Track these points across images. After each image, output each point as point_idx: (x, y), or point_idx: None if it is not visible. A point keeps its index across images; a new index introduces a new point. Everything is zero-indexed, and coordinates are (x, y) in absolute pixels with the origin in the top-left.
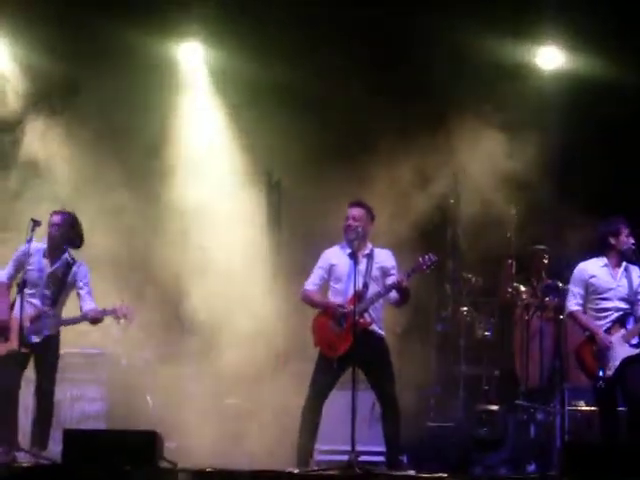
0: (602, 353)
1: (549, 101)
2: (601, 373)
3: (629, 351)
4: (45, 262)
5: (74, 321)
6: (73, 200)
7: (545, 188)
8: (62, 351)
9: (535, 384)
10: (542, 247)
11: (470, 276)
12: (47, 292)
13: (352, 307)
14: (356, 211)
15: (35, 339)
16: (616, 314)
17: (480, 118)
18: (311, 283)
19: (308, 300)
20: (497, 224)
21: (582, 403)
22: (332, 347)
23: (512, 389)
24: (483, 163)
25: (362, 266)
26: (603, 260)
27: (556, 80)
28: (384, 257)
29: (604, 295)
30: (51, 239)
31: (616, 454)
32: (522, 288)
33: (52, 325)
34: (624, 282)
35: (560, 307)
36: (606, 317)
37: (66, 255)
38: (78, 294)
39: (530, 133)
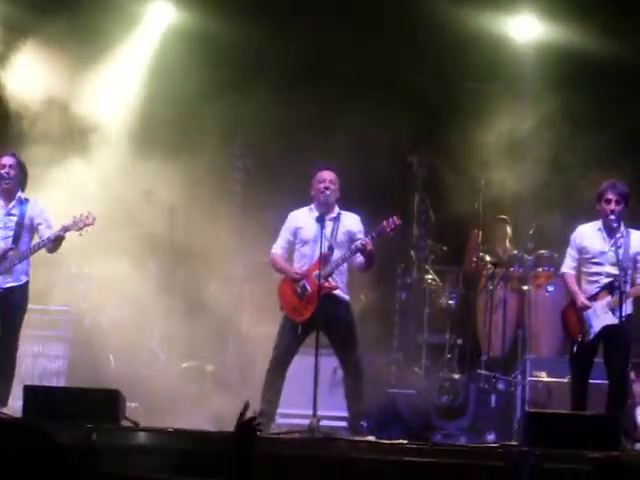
0: (584, 316)
1: (525, 72)
2: (579, 338)
3: (610, 319)
4: (1, 203)
5: (39, 246)
6: None
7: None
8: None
9: (497, 354)
10: (505, 217)
11: (436, 244)
12: (8, 232)
13: (308, 274)
14: (330, 175)
15: (5, 282)
16: (605, 280)
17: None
18: (278, 246)
19: (273, 265)
20: (465, 192)
21: (543, 374)
22: (297, 311)
23: (474, 358)
24: (456, 132)
25: (328, 230)
26: (598, 224)
27: (533, 50)
28: (351, 221)
29: (596, 259)
30: (7, 180)
31: (576, 424)
32: (487, 258)
33: (18, 258)
34: (617, 248)
35: (525, 278)
36: (597, 282)
37: (19, 194)
38: (37, 230)
39: (503, 103)
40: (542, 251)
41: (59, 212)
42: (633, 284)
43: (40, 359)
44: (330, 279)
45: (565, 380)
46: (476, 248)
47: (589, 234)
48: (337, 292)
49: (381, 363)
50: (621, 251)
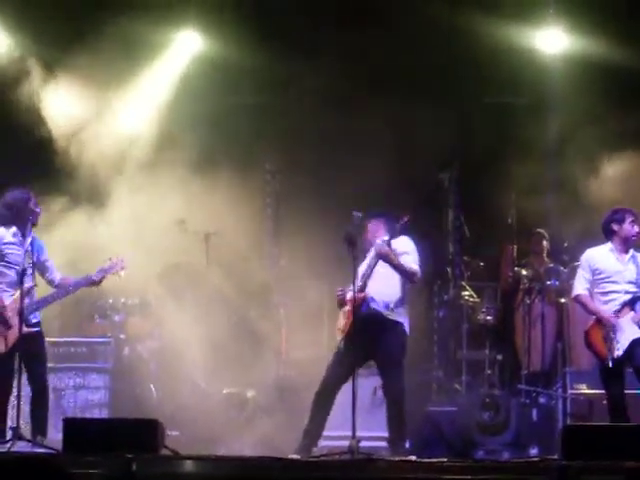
0: (610, 334)
1: (553, 85)
2: (609, 354)
3: (637, 332)
4: (20, 240)
5: (78, 285)
6: None
7: (548, 174)
8: (65, 339)
9: (537, 368)
10: (541, 231)
11: (472, 260)
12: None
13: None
14: (368, 226)
15: (32, 319)
16: (624, 297)
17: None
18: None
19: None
20: (498, 209)
21: (584, 386)
22: (341, 328)
23: (514, 373)
24: (486, 147)
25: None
26: (608, 246)
27: (560, 63)
28: (398, 243)
29: (612, 279)
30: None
31: (616, 437)
32: (523, 272)
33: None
34: (632, 267)
35: (562, 290)
36: (613, 300)
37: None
38: (46, 267)
39: (532, 117)
40: (578, 263)
41: (97, 244)
42: None
43: (81, 391)
44: (366, 291)
45: (624, 392)
46: (511, 263)
47: (602, 256)
48: (379, 308)
49: (421, 381)
50: (635, 269)
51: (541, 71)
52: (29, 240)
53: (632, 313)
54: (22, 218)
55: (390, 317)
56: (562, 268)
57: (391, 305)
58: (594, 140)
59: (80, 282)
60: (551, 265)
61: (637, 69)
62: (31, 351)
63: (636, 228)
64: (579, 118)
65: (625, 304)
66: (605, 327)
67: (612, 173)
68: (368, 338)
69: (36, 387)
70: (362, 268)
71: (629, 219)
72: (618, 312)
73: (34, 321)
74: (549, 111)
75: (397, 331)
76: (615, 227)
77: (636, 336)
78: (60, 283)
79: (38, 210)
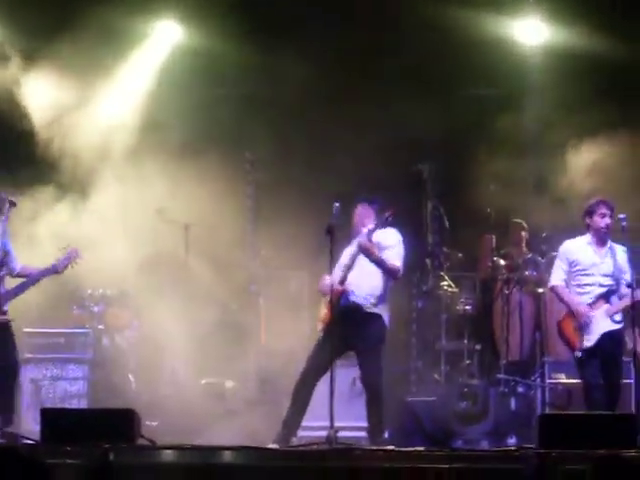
0: (582, 325)
1: (531, 76)
2: (579, 345)
3: (610, 325)
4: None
5: (43, 274)
6: None
7: (526, 164)
8: (44, 330)
9: (516, 357)
10: (520, 221)
11: (451, 251)
12: None
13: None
14: (358, 209)
15: (5, 307)
16: (599, 290)
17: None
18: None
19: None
20: (477, 199)
21: (562, 376)
22: (322, 319)
23: (493, 363)
24: (464, 138)
25: (354, 243)
26: (587, 238)
27: (539, 54)
28: (383, 236)
29: (587, 271)
30: None
31: (591, 425)
32: (502, 262)
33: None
34: (608, 260)
35: (540, 280)
36: (588, 293)
37: None
38: (8, 253)
39: (511, 109)
40: (555, 253)
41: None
42: (625, 294)
43: (60, 382)
44: (346, 283)
45: (600, 381)
46: (490, 253)
47: (580, 248)
48: (359, 300)
49: (400, 372)
50: (612, 262)
51: (520, 62)
52: None
53: (606, 306)
54: None
55: (370, 310)
56: (540, 258)
57: (371, 299)
58: (573, 131)
59: (45, 271)
60: (529, 255)
61: (617, 60)
62: (5, 338)
63: (606, 220)
64: (558, 109)
65: (600, 297)
66: (577, 319)
67: (588, 163)
68: (347, 329)
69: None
70: (344, 258)
71: (599, 211)
72: (592, 304)
73: (5, 309)
74: (528, 102)
75: (376, 323)
76: (587, 220)
77: (607, 329)
78: (20, 272)
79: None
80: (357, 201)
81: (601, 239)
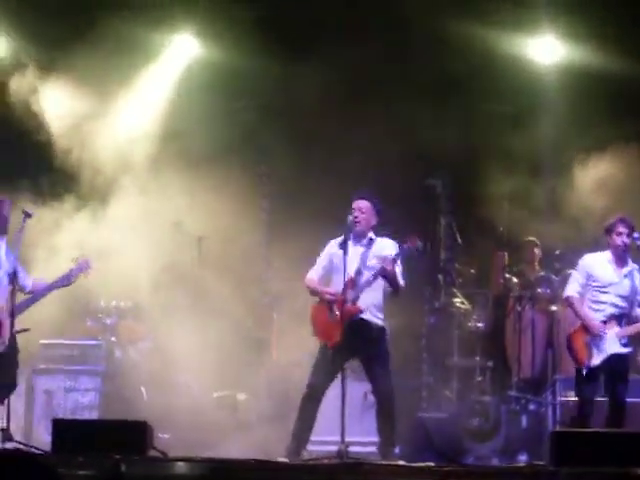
0: (592, 342)
1: (546, 94)
2: (587, 361)
3: (619, 349)
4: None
5: (54, 287)
6: None
7: (539, 182)
8: (57, 342)
9: (527, 375)
10: (533, 239)
11: (463, 267)
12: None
13: (341, 295)
14: (361, 203)
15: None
16: (612, 309)
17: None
18: (313, 271)
19: (307, 287)
20: (490, 216)
21: (573, 394)
22: (327, 335)
23: (505, 380)
24: (479, 154)
25: (358, 255)
26: (608, 255)
27: (555, 72)
28: (384, 246)
29: (604, 289)
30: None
31: (603, 443)
32: (514, 280)
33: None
34: (627, 281)
35: (553, 298)
36: (602, 310)
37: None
38: (16, 272)
39: (526, 126)
40: (569, 271)
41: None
42: (636, 318)
43: (72, 393)
44: (359, 303)
45: (595, 399)
46: (502, 270)
47: (600, 263)
48: (366, 316)
49: (411, 387)
50: (629, 284)
51: (535, 80)
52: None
53: (617, 328)
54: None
55: (379, 324)
56: (553, 276)
57: (379, 314)
58: (586, 149)
59: (56, 284)
60: (542, 273)
61: (631, 77)
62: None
63: (623, 239)
64: (572, 127)
65: (612, 317)
66: (589, 334)
67: (602, 180)
68: (357, 344)
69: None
70: (350, 266)
71: (617, 229)
72: (605, 323)
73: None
74: (543, 120)
75: (384, 336)
76: (607, 237)
77: (616, 351)
78: (32, 289)
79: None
80: (358, 196)
81: (620, 258)
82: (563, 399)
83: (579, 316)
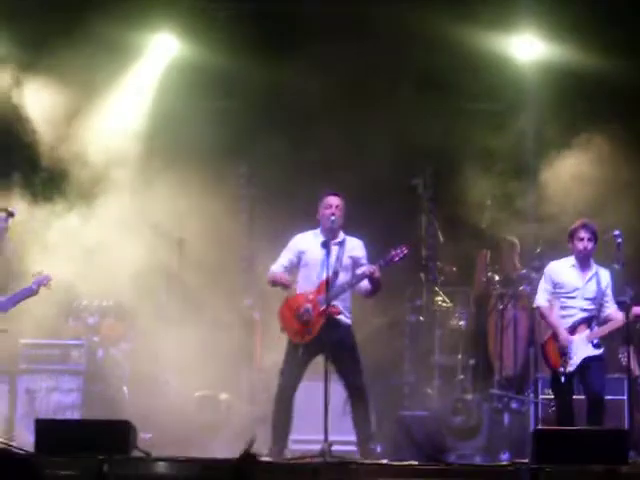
0: (564, 349)
1: (526, 92)
2: (562, 369)
3: (590, 351)
4: None
5: (21, 298)
6: None
7: (521, 179)
8: (39, 342)
9: (510, 373)
10: (512, 237)
11: (445, 265)
12: None
13: (313, 298)
14: (336, 200)
15: None
16: (581, 314)
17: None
18: (279, 265)
19: (272, 279)
20: (472, 214)
21: None
22: (298, 334)
23: (487, 378)
24: (459, 153)
25: (333, 254)
26: (572, 260)
27: (533, 70)
28: (355, 246)
29: (570, 294)
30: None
31: (586, 441)
32: (496, 278)
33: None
34: (592, 284)
35: (534, 296)
36: (571, 316)
37: None
38: None
39: (506, 124)
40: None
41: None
42: (605, 319)
43: (54, 393)
44: (335, 303)
45: (577, 397)
46: (484, 268)
47: (564, 270)
48: (339, 316)
49: (393, 386)
50: (595, 286)
51: (517, 78)
52: None
53: (587, 331)
54: None
55: (347, 322)
56: (534, 274)
57: (348, 312)
58: (568, 146)
59: (21, 294)
60: (523, 271)
61: (610, 74)
62: None
63: (584, 244)
64: (554, 124)
65: (581, 321)
66: (559, 342)
67: (583, 179)
68: (327, 342)
69: None
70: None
71: (578, 235)
72: (574, 329)
73: None
74: (524, 118)
75: (352, 333)
76: (570, 243)
77: (588, 354)
78: (8, 306)
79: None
80: (329, 193)
81: (583, 262)
82: (545, 397)
83: (549, 325)
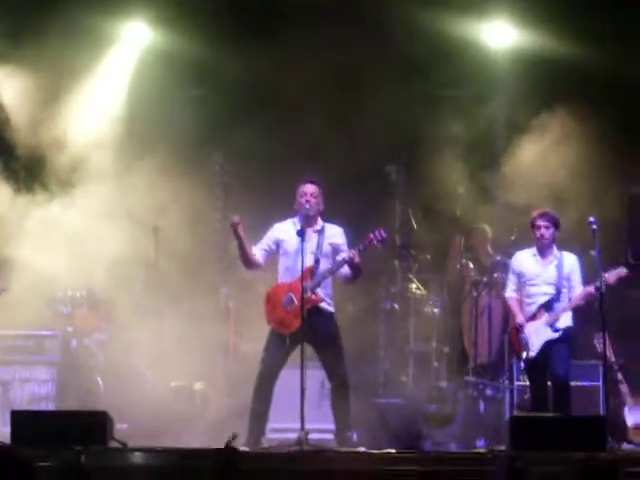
0: (525, 336)
1: (498, 78)
2: (524, 355)
3: (550, 334)
4: None
5: None
6: None
7: (493, 166)
8: (12, 332)
9: (484, 360)
10: (481, 226)
11: (419, 253)
12: None
13: (295, 286)
14: (312, 188)
15: None
16: (543, 299)
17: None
18: (258, 248)
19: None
20: (446, 201)
21: None
22: (284, 324)
23: (461, 365)
24: (432, 139)
25: (313, 242)
26: (533, 250)
27: (506, 57)
28: (335, 233)
29: (532, 282)
30: None
31: (562, 427)
32: (470, 265)
33: None
34: (552, 269)
35: None
36: (535, 302)
37: None
38: None
39: (478, 111)
40: None
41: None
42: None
43: (28, 384)
44: (317, 291)
45: (546, 383)
46: (458, 255)
47: (525, 259)
48: (322, 304)
49: (368, 373)
50: (555, 272)
51: (487, 64)
52: None
53: (546, 315)
54: None
55: (329, 310)
56: (509, 261)
57: (330, 300)
58: (540, 133)
59: None
60: (498, 258)
61: (582, 61)
62: None
63: (542, 232)
64: (525, 111)
65: (541, 307)
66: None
67: (556, 165)
68: (311, 330)
69: None
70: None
71: (536, 223)
72: (534, 315)
73: None
74: (496, 104)
75: (334, 321)
76: (532, 233)
77: (547, 338)
78: None
79: None
80: (306, 180)
81: (543, 250)
82: (520, 384)
83: (511, 316)
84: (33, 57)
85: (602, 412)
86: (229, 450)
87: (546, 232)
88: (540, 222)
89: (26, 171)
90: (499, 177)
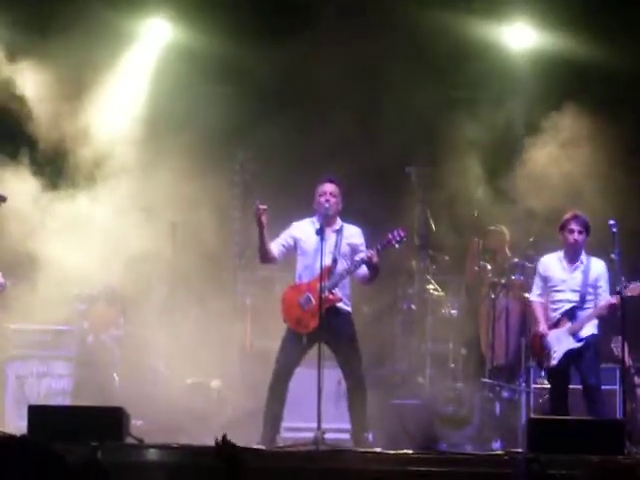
0: (546, 344)
1: (518, 80)
2: (546, 363)
3: (572, 344)
4: None
5: None
6: None
7: (513, 167)
8: (29, 327)
9: (501, 362)
10: (498, 227)
11: (437, 254)
12: None
13: (313, 286)
14: (331, 187)
15: None
16: (567, 306)
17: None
18: (277, 243)
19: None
20: (464, 202)
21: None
22: (301, 323)
23: (478, 367)
24: (452, 141)
25: (331, 242)
26: (560, 253)
27: (525, 59)
28: (353, 233)
29: (557, 287)
30: None
31: (579, 430)
32: (488, 267)
33: None
34: (577, 275)
35: (526, 285)
36: (560, 308)
37: None
38: None
39: (498, 113)
40: None
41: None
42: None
43: (45, 379)
44: (334, 291)
45: (574, 387)
46: (476, 257)
47: (552, 264)
48: (339, 304)
49: (385, 374)
50: (581, 278)
51: (508, 66)
52: None
53: (569, 323)
54: None
55: (347, 310)
56: (527, 263)
57: (347, 300)
58: (559, 135)
59: None
60: (516, 260)
61: (601, 63)
62: None
63: (574, 236)
64: (545, 113)
65: (564, 314)
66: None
67: (574, 169)
68: (328, 330)
69: None
70: (327, 253)
71: (568, 227)
72: (558, 322)
73: None
74: (516, 107)
75: (352, 321)
76: (560, 235)
77: (570, 347)
78: None
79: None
80: (325, 179)
81: (571, 254)
82: (537, 386)
83: (534, 321)
84: (56, 52)
85: (620, 416)
86: (224, 447)
87: (579, 237)
88: (574, 226)
89: (49, 165)
90: (518, 179)
